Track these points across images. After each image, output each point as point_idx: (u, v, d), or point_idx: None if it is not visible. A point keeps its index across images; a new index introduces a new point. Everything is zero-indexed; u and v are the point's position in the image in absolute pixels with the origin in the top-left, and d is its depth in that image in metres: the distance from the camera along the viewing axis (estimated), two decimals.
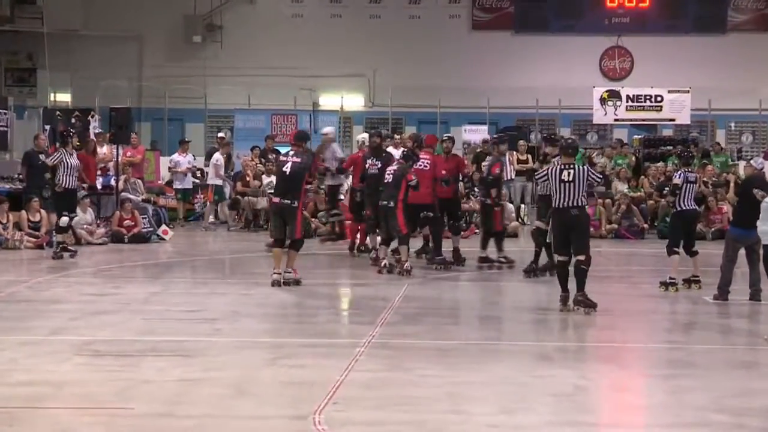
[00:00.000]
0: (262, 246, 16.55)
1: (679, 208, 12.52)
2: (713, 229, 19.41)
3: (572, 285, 10.82)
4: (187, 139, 23.67)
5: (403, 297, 11.82)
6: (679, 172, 12.68)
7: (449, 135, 15.55)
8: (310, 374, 7.79)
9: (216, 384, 7.46)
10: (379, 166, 14.61)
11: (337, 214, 16.67)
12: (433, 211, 14.42)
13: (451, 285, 13.11)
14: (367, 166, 14.97)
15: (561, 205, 10.89)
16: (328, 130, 17.38)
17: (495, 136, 18.95)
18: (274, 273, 12.33)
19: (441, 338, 9.43)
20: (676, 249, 12.47)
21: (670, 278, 12.42)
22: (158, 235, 18.31)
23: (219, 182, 21.21)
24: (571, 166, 10.97)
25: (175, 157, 22.21)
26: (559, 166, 11.03)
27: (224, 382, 7.51)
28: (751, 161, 12.81)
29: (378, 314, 10.55)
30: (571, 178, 10.81)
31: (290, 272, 12.43)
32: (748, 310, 11.42)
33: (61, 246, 15.37)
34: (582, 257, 10.81)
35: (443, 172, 14.60)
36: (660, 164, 22.70)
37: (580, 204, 10.84)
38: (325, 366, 8.05)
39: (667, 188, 12.44)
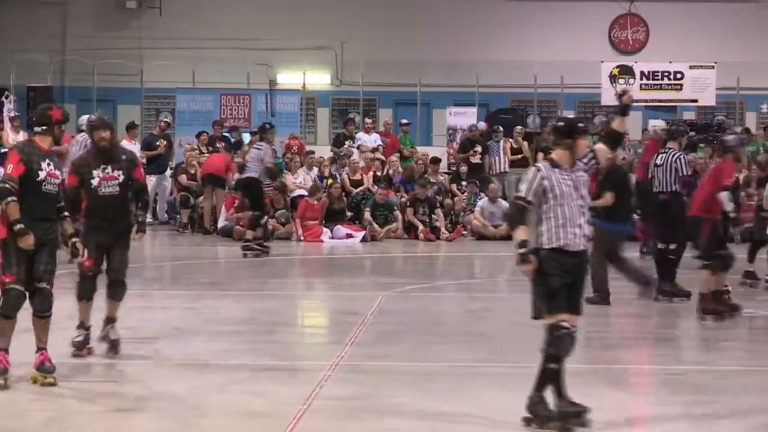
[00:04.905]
0: (209, 250, 16.38)
1: None
2: (743, 229, 19.46)
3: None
4: (135, 123, 22.99)
5: (378, 311, 11.81)
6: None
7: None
8: (266, 403, 7.78)
9: (156, 416, 7.41)
10: (121, 180, 9.57)
11: None
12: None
13: (435, 297, 13.11)
14: (95, 183, 9.55)
15: (653, 190, 12.85)
16: None
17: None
18: None
19: (422, 360, 9.43)
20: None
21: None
22: None
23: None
24: (666, 150, 12.81)
25: (125, 145, 21.68)
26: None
27: (165, 413, 7.46)
28: None
29: (347, 331, 10.53)
30: (661, 162, 12.66)
31: None
32: None
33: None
34: (671, 246, 12.51)
35: (727, 181, 11.96)
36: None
37: (669, 189, 12.54)
38: (285, 393, 8.04)
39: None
